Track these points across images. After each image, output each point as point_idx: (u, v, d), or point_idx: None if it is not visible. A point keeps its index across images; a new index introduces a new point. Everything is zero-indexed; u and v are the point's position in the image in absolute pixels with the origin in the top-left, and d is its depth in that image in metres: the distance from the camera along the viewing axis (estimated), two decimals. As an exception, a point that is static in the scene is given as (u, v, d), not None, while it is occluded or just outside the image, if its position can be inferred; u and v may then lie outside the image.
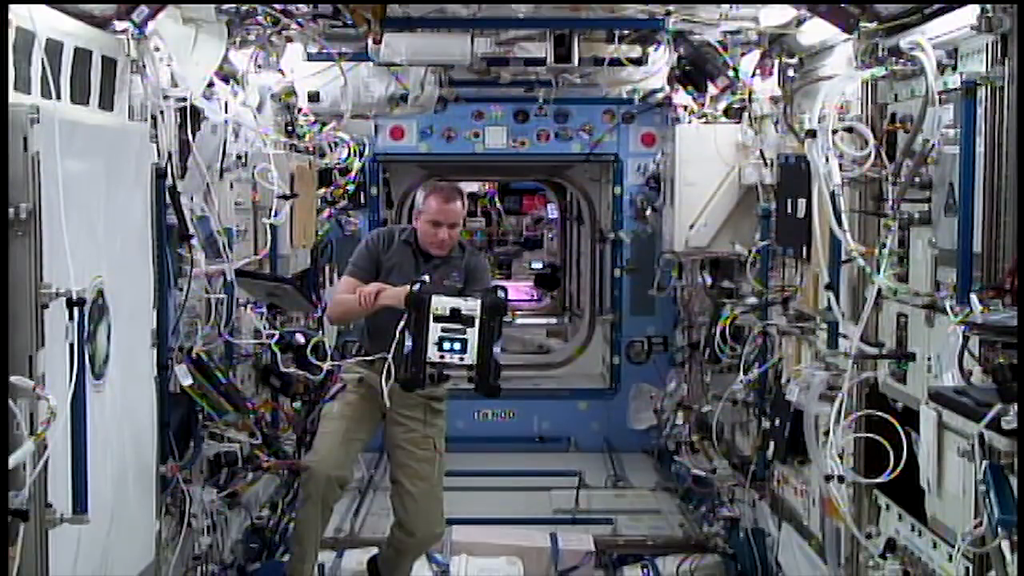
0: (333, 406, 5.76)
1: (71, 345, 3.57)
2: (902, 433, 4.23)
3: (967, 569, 3.77)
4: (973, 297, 3.54)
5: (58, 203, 3.52)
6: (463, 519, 7.12)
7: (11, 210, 3.39)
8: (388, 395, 5.23)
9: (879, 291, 4.34)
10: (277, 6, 5.74)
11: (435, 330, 5.05)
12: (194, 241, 5.16)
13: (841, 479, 4.53)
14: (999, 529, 3.23)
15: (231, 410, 5.45)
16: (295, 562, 5.76)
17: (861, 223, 4.77)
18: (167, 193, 4.92)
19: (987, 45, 3.72)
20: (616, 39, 6.99)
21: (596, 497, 8.39)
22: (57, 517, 3.60)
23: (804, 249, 5.67)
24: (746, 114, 6.73)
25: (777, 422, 5.82)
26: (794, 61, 5.96)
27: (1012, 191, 3.59)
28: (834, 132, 4.34)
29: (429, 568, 6.57)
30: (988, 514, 3.30)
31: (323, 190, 8.27)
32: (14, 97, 3.49)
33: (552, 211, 17.40)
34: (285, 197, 6.57)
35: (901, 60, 4.29)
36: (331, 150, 8.22)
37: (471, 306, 5.08)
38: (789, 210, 5.89)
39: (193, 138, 5.25)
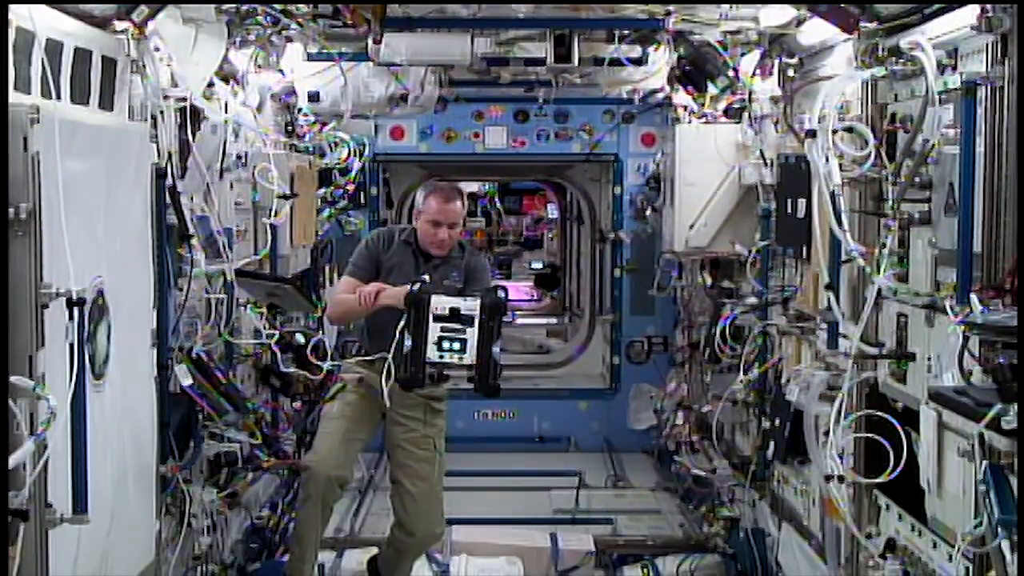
0: (333, 406, 5.76)
1: (71, 345, 3.57)
2: (902, 433, 4.24)
3: (967, 569, 3.77)
4: (973, 297, 3.54)
5: (58, 203, 3.52)
6: (463, 519, 7.12)
7: (11, 210, 3.38)
8: (388, 395, 5.23)
9: (879, 291, 4.34)
10: (277, 6, 5.74)
11: (435, 330, 5.05)
12: (194, 241, 5.17)
13: (841, 479, 4.53)
14: (999, 529, 3.23)
15: (231, 411, 5.46)
16: (295, 562, 5.75)
17: (861, 223, 4.77)
18: (167, 193, 4.92)
19: (987, 45, 3.72)
20: (616, 39, 6.99)
21: (596, 497, 8.39)
22: (57, 517, 3.60)
23: (804, 249, 5.68)
24: (746, 114, 6.73)
25: (777, 422, 5.83)
26: (794, 61, 5.96)
27: (1012, 191, 3.59)
28: (834, 132, 4.34)
29: (429, 568, 6.57)
30: (988, 514, 3.30)
31: (323, 190, 8.28)
32: (14, 97, 3.49)
33: (552, 211, 17.39)
34: (285, 197, 6.57)
35: (901, 60, 4.29)
36: (331, 150, 8.22)
37: (471, 306, 5.08)
38: (789, 210, 5.89)
39: (193, 138, 5.25)
